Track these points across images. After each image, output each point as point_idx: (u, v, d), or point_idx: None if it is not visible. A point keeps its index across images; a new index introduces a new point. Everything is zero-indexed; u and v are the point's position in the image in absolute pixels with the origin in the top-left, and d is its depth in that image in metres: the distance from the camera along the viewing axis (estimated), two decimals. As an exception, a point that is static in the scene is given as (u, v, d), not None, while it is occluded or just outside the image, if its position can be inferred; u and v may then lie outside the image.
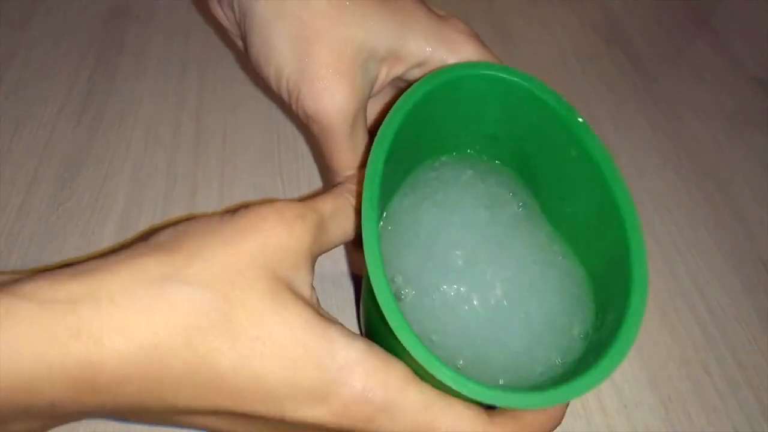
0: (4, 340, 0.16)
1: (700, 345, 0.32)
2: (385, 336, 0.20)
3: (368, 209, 0.20)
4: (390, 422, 0.19)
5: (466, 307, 0.22)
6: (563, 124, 0.23)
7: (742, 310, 0.33)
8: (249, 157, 0.38)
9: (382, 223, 0.24)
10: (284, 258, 0.19)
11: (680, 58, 0.48)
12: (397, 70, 0.26)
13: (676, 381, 0.30)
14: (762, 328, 0.32)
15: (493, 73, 0.24)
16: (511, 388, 0.18)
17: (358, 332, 0.22)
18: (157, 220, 0.34)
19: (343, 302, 0.32)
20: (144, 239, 0.20)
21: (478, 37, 0.26)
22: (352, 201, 0.23)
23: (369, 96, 0.26)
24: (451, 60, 0.25)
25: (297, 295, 0.19)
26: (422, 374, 0.19)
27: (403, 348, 0.19)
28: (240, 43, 0.29)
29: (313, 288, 0.21)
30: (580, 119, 0.23)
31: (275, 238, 0.19)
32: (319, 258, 0.22)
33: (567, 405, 0.22)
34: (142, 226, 0.34)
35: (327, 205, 0.22)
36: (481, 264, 0.23)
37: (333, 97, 0.24)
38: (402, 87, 0.28)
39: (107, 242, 0.33)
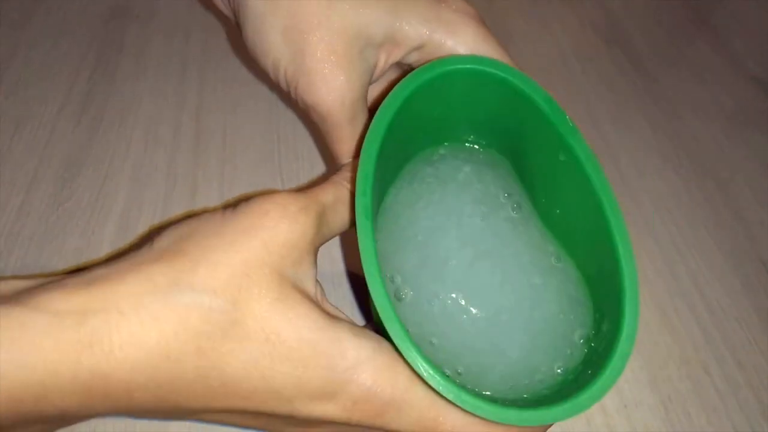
0: (18, 351, 0.16)
1: (700, 345, 0.32)
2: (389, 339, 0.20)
3: (363, 220, 0.20)
4: (397, 418, 0.19)
5: (465, 316, 0.22)
6: (552, 126, 0.23)
7: (742, 310, 0.33)
8: (249, 157, 0.38)
9: (378, 221, 0.24)
10: (289, 255, 0.19)
11: (680, 58, 0.48)
12: (396, 55, 0.25)
13: (676, 381, 0.30)
14: (762, 328, 0.32)
15: (483, 68, 0.23)
16: (500, 402, 0.19)
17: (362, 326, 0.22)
18: (157, 220, 0.34)
19: (343, 302, 0.32)
20: (148, 240, 0.20)
21: (478, 17, 0.25)
22: (350, 188, 0.23)
23: (369, 83, 0.25)
24: (450, 42, 0.24)
25: (303, 294, 0.19)
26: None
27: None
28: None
29: (317, 282, 0.21)
30: (570, 123, 0.23)
31: (279, 234, 0.19)
32: (319, 258, 0.22)
33: None
34: (142, 226, 0.34)
35: (328, 194, 0.22)
36: (478, 271, 0.23)
37: (331, 89, 0.24)
38: (405, 69, 0.27)
39: (107, 242, 0.33)
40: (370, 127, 0.21)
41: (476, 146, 0.27)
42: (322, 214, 0.21)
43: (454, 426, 0.19)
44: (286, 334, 0.18)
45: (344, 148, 0.25)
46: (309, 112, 0.25)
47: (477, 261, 0.23)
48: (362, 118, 0.25)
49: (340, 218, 0.22)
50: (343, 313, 0.21)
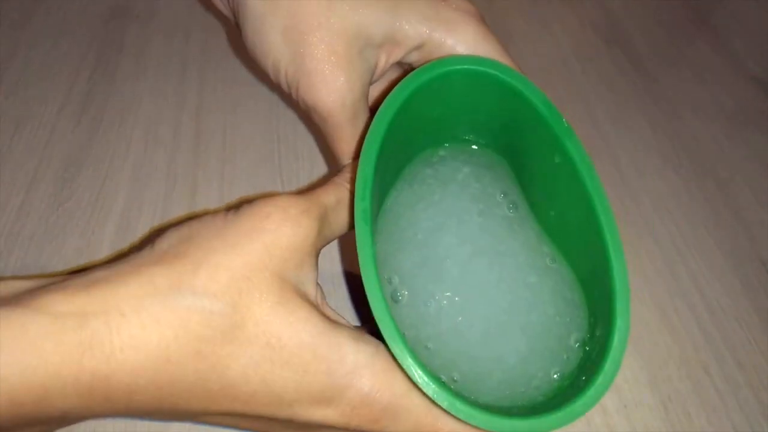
0: (19, 354, 0.16)
1: (700, 345, 0.32)
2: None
3: (362, 225, 0.20)
4: (395, 423, 0.19)
5: (461, 318, 0.22)
6: (548, 127, 0.23)
7: (742, 310, 0.33)
8: (249, 157, 0.38)
9: (378, 222, 0.24)
10: (290, 258, 0.19)
11: (680, 58, 0.48)
12: (396, 54, 0.25)
13: (676, 381, 0.30)
14: (762, 328, 0.32)
15: (482, 69, 0.23)
16: (494, 411, 0.19)
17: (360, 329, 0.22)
18: (157, 220, 0.34)
19: (343, 302, 0.32)
20: (149, 241, 0.20)
21: (478, 15, 0.25)
22: (351, 189, 0.23)
23: (369, 83, 0.25)
24: (450, 41, 0.24)
25: (304, 298, 0.19)
26: None
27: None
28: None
29: (318, 285, 0.21)
30: (566, 124, 0.23)
31: (280, 238, 0.19)
32: (319, 259, 0.22)
33: None
34: (142, 226, 0.34)
35: (329, 196, 0.22)
36: (475, 268, 0.23)
37: (331, 89, 0.24)
38: (405, 69, 0.27)
39: (107, 242, 0.33)
40: (370, 129, 0.21)
41: (475, 146, 0.27)
42: (324, 216, 0.21)
43: (454, 430, 0.19)
44: (286, 338, 0.18)
45: (345, 148, 0.25)
46: (310, 113, 0.25)
47: (474, 258, 0.23)
48: (363, 118, 0.25)
49: (341, 220, 0.22)
50: (343, 318, 0.21)
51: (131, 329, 0.17)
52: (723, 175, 0.40)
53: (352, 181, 0.23)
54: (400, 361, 0.18)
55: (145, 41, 0.44)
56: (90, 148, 0.37)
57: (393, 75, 0.28)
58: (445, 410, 0.18)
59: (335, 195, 0.22)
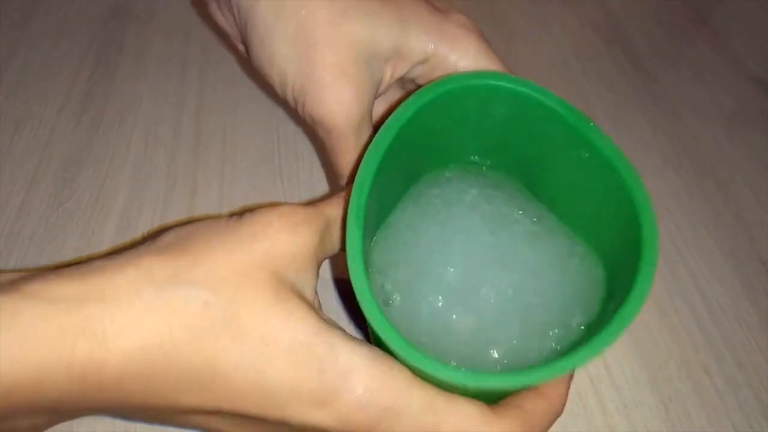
0: (11, 339, 0.16)
1: (700, 345, 0.32)
2: (381, 343, 0.20)
3: (352, 219, 0.20)
4: (395, 425, 0.19)
5: (454, 316, 0.22)
6: (569, 125, 0.23)
7: (742, 310, 0.33)
8: (249, 157, 0.38)
9: (378, 234, 0.24)
10: (290, 263, 0.19)
11: (680, 58, 0.48)
12: (401, 68, 0.25)
13: (676, 381, 0.30)
14: (762, 328, 0.32)
15: (492, 82, 0.23)
16: (502, 373, 0.18)
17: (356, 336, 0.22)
18: (157, 220, 0.34)
19: (332, 307, 0.32)
20: (149, 240, 0.20)
21: (479, 32, 0.26)
22: None
23: (375, 97, 0.25)
24: (454, 56, 0.25)
25: (301, 299, 0.19)
26: (424, 376, 0.19)
27: (397, 357, 0.19)
28: (241, 47, 0.29)
29: (316, 293, 0.21)
30: (586, 117, 0.23)
31: (281, 243, 0.19)
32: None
33: (567, 394, 0.22)
34: (142, 226, 0.34)
35: (333, 209, 0.22)
36: (478, 276, 0.23)
37: (339, 102, 0.24)
38: (408, 88, 0.28)
39: (107, 242, 0.33)
40: (373, 142, 0.21)
41: (483, 167, 0.27)
42: (326, 228, 0.21)
43: (457, 427, 0.19)
44: (280, 335, 0.18)
45: (348, 163, 0.25)
46: (316, 126, 0.25)
47: (478, 267, 0.23)
48: (367, 133, 0.25)
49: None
50: (341, 328, 0.21)
51: (126, 315, 0.17)
52: (723, 175, 0.40)
53: (346, 203, 0.23)
54: (377, 329, 0.18)
55: (145, 41, 0.44)
56: (90, 148, 0.37)
57: (394, 96, 0.29)
58: (456, 392, 0.18)
59: (338, 208, 0.22)
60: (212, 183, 0.36)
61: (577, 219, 0.25)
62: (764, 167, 0.41)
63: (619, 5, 0.52)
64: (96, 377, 0.16)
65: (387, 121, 0.22)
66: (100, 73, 0.42)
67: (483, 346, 0.22)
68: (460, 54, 0.25)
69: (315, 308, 0.20)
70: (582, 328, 0.22)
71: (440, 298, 0.22)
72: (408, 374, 0.19)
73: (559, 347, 0.22)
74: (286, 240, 0.19)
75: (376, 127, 0.26)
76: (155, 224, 0.34)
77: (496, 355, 0.22)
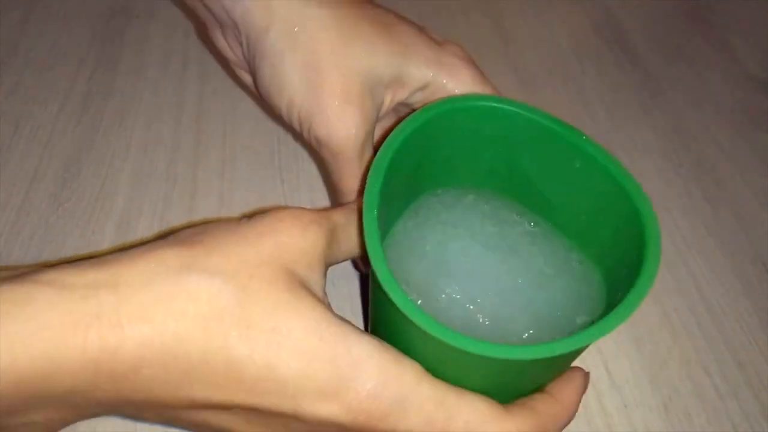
0: (25, 326, 0.16)
1: (701, 345, 0.32)
2: (396, 334, 0.20)
3: (369, 199, 0.20)
4: (404, 418, 0.19)
5: (470, 306, 0.22)
6: (561, 138, 0.24)
7: (742, 310, 0.33)
8: (249, 158, 0.38)
9: (386, 239, 0.25)
10: (300, 259, 0.20)
11: (680, 57, 0.48)
12: (401, 95, 0.27)
13: (676, 381, 0.30)
14: (762, 328, 0.32)
15: (488, 104, 0.25)
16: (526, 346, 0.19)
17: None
18: (157, 220, 0.34)
19: (342, 303, 0.32)
20: (160, 238, 0.20)
21: (473, 62, 0.27)
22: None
23: (377, 121, 0.27)
24: (451, 84, 0.26)
25: (311, 292, 0.19)
26: (435, 369, 0.19)
27: (416, 344, 0.19)
28: (243, 75, 0.30)
29: (325, 293, 0.21)
30: (576, 130, 0.24)
31: (292, 239, 0.20)
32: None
33: (578, 403, 0.22)
34: (142, 226, 0.34)
35: (340, 216, 0.22)
36: (487, 270, 0.23)
37: (345, 125, 0.25)
38: (402, 114, 0.29)
39: (107, 242, 0.33)
40: (388, 138, 0.22)
41: (478, 187, 0.28)
42: (333, 232, 0.22)
43: (467, 424, 0.19)
44: (292, 325, 0.18)
45: (353, 183, 0.27)
46: (320, 149, 0.26)
47: (487, 262, 0.23)
48: (368, 156, 0.27)
49: (351, 242, 0.23)
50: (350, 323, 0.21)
51: (140, 302, 0.17)
52: (723, 175, 0.40)
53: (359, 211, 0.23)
54: (386, 288, 0.18)
55: (145, 41, 0.44)
56: (90, 148, 0.37)
57: (388, 122, 0.30)
58: (468, 388, 0.18)
59: (345, 216, 0.23)
60: (212, 183, 0.36)
61: (572, 227, 0.25)
62: (764, 167, 0.41)
63: (619, 5, 0.52)
64: (109, 365, 0.17)
65: (395, 131, 0.23)
66: (100, 73, 0.42)
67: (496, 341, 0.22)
68: (457, 82, 0.26)
69: (325, 303, 0.20)
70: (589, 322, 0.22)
71: (456, 289, 0.23)
72: (418, 368, 0.19)
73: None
74: (297, 236, 0.20)
75: (375, 150, 0.27)
76: (155, 224, 0.34)
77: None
